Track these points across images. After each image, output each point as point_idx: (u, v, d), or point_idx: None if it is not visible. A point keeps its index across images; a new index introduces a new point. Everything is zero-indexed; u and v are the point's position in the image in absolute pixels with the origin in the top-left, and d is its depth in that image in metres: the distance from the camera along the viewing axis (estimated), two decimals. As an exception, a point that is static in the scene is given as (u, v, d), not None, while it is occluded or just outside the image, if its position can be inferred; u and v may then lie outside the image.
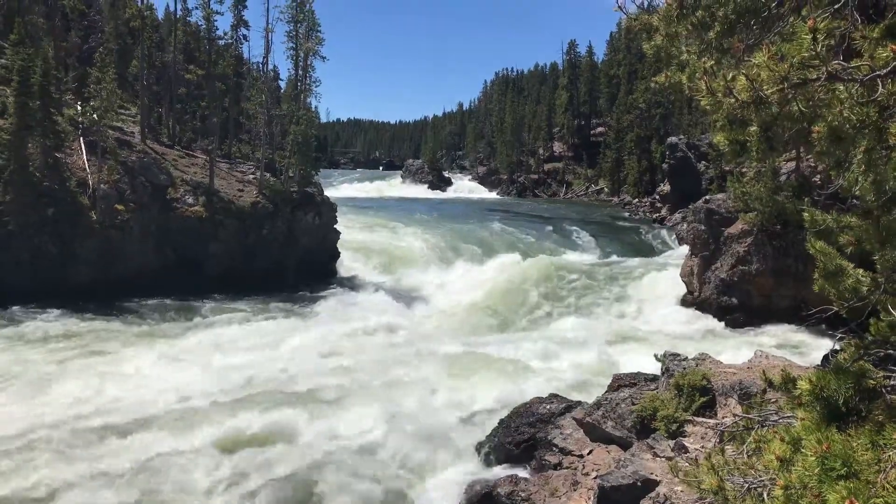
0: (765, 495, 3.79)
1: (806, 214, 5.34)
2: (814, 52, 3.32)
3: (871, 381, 3.75)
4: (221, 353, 20.90)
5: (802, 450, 3.19)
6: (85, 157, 28.71)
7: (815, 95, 3.46)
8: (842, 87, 3.49)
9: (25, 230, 25.35)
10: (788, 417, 4.60)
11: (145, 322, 24.80)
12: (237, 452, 13.73)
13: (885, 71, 3.42)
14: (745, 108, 3.54)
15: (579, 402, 13.87)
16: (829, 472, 3.01)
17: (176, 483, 12.56)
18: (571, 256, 35.99)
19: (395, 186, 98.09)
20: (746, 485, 3.93)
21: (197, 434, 14.49)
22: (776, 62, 3.36)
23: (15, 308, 23.95)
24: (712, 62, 3.83)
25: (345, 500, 12.25)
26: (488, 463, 13.39)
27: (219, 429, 14.79)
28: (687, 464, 6.49)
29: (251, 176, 35.33)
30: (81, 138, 29.33)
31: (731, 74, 3.59)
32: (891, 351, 5.07)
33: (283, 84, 53.29)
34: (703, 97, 3.69)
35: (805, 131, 4.85)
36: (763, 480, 3.92)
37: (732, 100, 3.53)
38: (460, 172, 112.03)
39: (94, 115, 28.84)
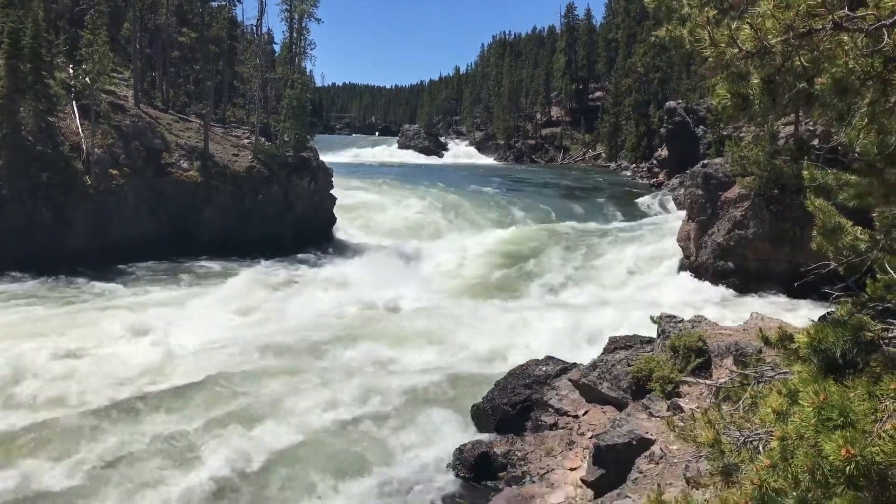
0: (761, 448, 3.81)
1: (805, 172, 5.31)
2: (820, 0, 3.25)
3: (869, 334, 3.75)
4: (211, 314, 21.03)
5: (799, 402, 3.19)
6: (78, 121, 28.43)
7: (819, 45, 3.40)
8: (847, 38, 3.43)
9: (19, 195, 25.18)
10: (784, 373, 4.62)
11: (139, 284, 24.81)
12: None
13: (890, 21, 3.36)
14: (749, 58, 3.48)
15: (575, 364, 13.96)
16: (826, 422, 3.02)
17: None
18: (569, 222, 35.94)
19: (391, 152, 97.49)
20: (742, 438, 3.96)
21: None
22: (781, 11, 3.30)
23: (11, 274, 23.88)
24: (714, 12, 3.76)
25: (337, 459, 12.36)
26: (484, 424, 13.50)
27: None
28: (682, 423, 6.55)
29: (246, 140, 35.10)
30: (74, 102, 29.01)
31: (735, 24, 3.52)
32: (889, 305, 5.08)
33: (277, 48, 52.75)
34: (705, 48, 3.62)
35: (805, 91, 4.79)
36: (759, 434, 3.94)
37: (736, 50, 3.47)
38: (457, 138, 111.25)
39: (87, 79, 28.49)
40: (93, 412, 13.85)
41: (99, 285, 24.25)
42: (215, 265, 28.03)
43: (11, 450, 12.38)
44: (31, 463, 11.90)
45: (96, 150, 27.34)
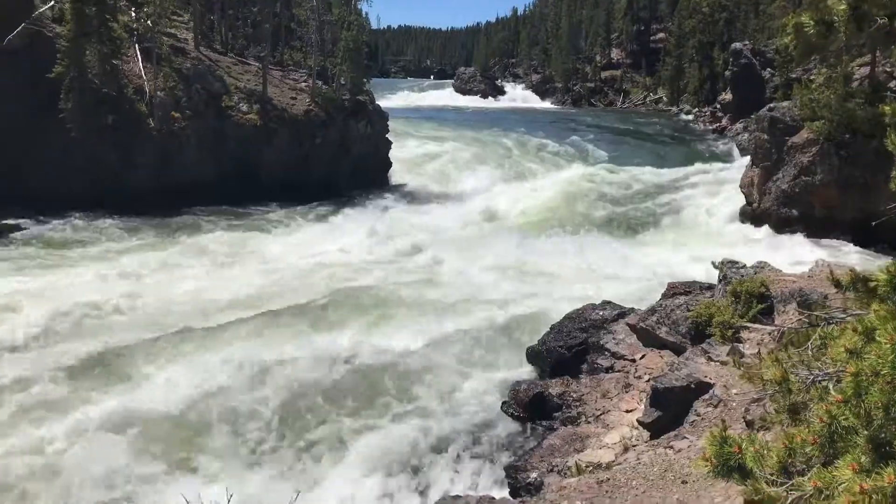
0: (830, 387, 3.76)
1: (887, 107, 5.06)
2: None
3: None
4: (275, 253, 21.65)
5: (877, 339, 3.13)
6: (141, 64, 28.87)
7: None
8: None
9: (87, 137, 25.83)
10: (857, 314, 4.50)
11: (200, 227, 25.46)
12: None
13: None
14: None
15: (632, 309, 13.88)
16: (905, 359, 2.95)
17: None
18: (628, 167, 35.28)
19: (447, 95, 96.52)
20: (812, 377, 3.90)
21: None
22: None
23: (75, 213, 24.68)
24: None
25: (395, 394, 12.69)
26: (539, 366, 13.61)
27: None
28: (747, 363, 6.49)
29: (303, 84, 35.18)
30: (136, 45, 29.42)
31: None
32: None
33: (333, -11, 52.21)
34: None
35: (886, 27, 4.54)
36: (829, 373, 3.88)
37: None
38: (513, 81, 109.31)
39: (148, 22, 28.81)
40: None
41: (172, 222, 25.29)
42: (276, 209, 28.45)
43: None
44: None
45: (158, 92, 27.80)
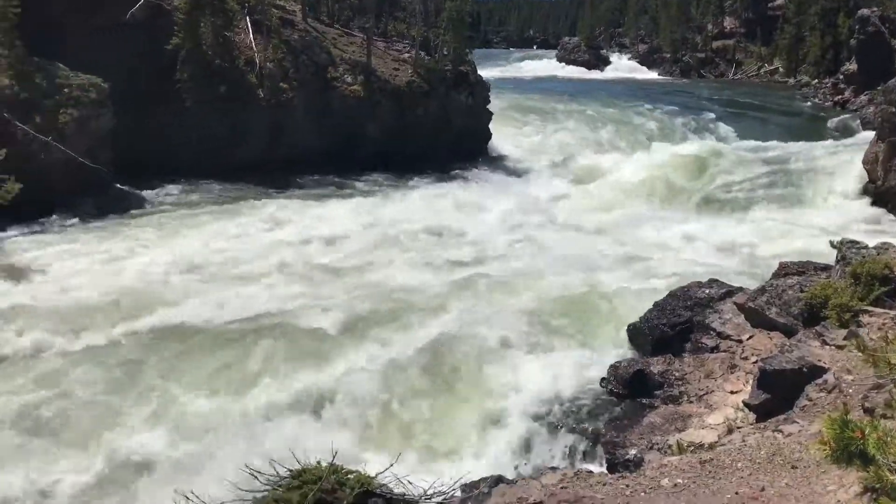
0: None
1: None
2: None
3: None
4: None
5: None
6: (251, 35, 29.76)
7: None
8: None
9: (201, 107, 26.94)
10: None
11: (307, 194, 26.21)
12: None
13: None
14: None
15: (741, 288, 13.33)
16: None
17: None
18: (740, 142, 33.72)
19: (550, 66, 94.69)
20: (947, 363, 3.61)
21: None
22: None
23: (183, 181, 25.86)
24: None
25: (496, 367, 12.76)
26: (640, 344, 13.32)
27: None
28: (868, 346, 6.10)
29: (406, 55, 35.35)
30: (247, 17, 30.32)
31: None
32: None
33: (437, -41, 51.97)
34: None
35: None
36: (967, 359, 3.58)
37: None
38: (619, 51, 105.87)
39: (259, -5, 29.61)
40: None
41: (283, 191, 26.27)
42: (381, 180, 28.96)
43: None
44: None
45: (268, 63, 28.62)
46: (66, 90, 22.49)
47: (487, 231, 21.86)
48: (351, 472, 5.11)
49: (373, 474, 5.40)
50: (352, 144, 30.38)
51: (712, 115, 40.08)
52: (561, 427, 11.07)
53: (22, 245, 18.69)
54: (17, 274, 16.60)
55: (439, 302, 15.53)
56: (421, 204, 25.07)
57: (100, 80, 23.27)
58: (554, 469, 8.18)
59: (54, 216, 21.02)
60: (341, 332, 14.07)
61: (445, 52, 34.54)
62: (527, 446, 10.84)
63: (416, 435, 11.17)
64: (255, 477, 4.63)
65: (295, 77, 29.42)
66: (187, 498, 4.62)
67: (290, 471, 4.75)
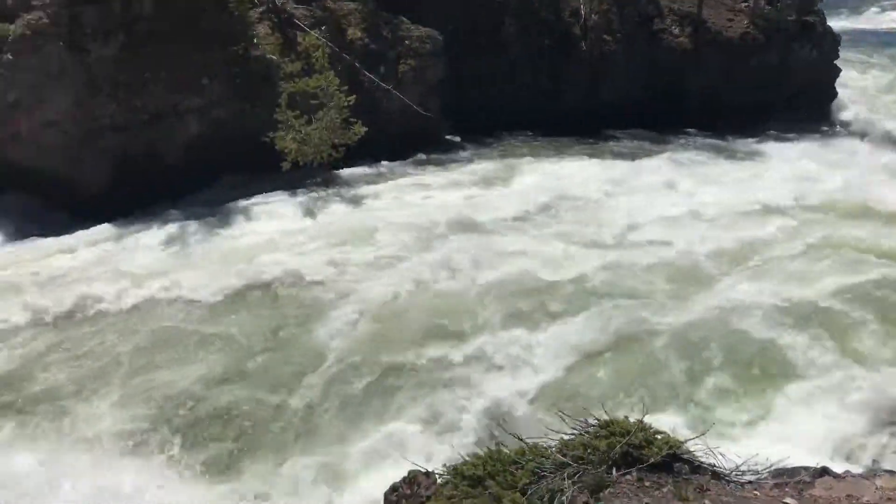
0: None
1: None
2: None
3: None
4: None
5: None
6: (579, -13, 29.51)
7: None
8: None
9: (527, 60, 27.51)
10: None
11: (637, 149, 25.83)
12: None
13: None
14: None
15: None
16: None
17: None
18: None
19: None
20: None
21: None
22: None
23: (506, 133, 26.39)
24: None
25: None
26: None
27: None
28: None
29: (743, 4, 32.53)
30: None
31: None
32: None
33: None
34: None
35: None
36: None
37: None
38: None
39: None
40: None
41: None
42: (703, 138, 27.44)
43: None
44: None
45: (593, 15, 28.27)
46: (406, 42, 24.41)
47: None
48: (659, 432, 5.00)
49: (681, 440, 5.25)
50: (671, 99, 28.89)
51: None
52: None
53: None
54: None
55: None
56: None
57: (436, 31, 24.80)
58: (892, 472, 7.01)
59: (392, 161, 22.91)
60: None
61: (790, 1, 31.13)
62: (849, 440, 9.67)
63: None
64: (564, 420, 4.66)
65: (619, 29, 28.73)
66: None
67: (598, 420, 4.74)
